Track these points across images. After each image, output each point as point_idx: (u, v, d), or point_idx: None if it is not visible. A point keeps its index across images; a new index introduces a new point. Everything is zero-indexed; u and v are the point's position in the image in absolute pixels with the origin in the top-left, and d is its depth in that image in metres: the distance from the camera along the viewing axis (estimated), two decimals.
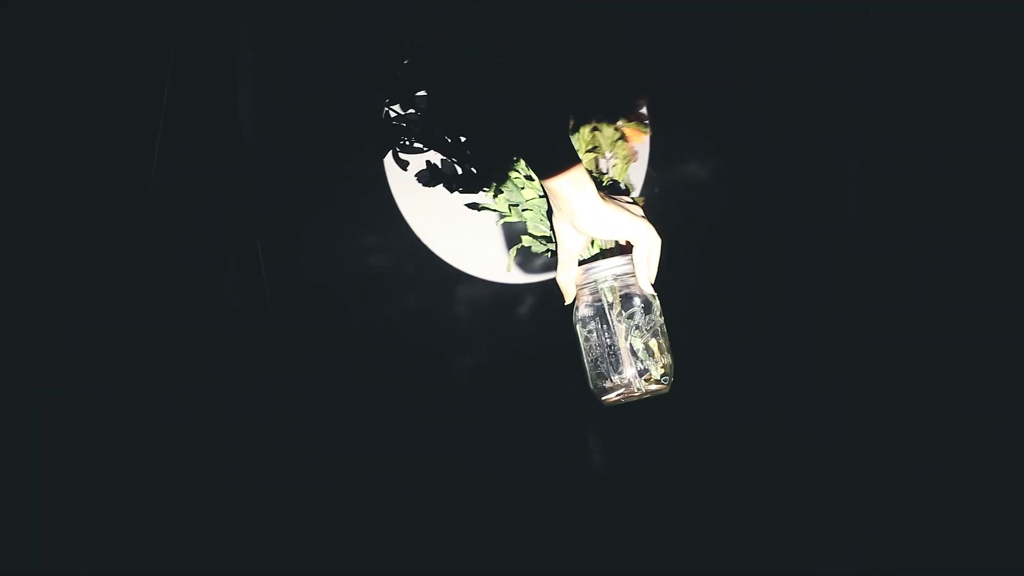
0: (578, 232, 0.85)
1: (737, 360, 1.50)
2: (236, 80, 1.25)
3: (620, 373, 0.87)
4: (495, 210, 0.93)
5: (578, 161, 0.81)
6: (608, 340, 0.87)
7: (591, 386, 0.89)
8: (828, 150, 1.43)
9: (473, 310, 1.50)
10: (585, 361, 0.89)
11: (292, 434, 1.35)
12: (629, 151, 0.97)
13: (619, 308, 0.87)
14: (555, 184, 0.80)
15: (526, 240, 0.95)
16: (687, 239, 1.48)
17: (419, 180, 0.96)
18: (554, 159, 0.80)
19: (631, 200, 0.93)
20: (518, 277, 1.48)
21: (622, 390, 0.88)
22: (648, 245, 0.85)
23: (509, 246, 0.95)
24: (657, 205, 1.46)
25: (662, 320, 0.89)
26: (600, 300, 0.87)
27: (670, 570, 1.36)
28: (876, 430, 1.44)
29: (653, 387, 0.88)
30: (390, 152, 0.93)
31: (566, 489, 1.48)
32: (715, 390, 1.51)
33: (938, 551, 1.30)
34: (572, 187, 0.80)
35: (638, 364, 0.87)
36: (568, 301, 0.89)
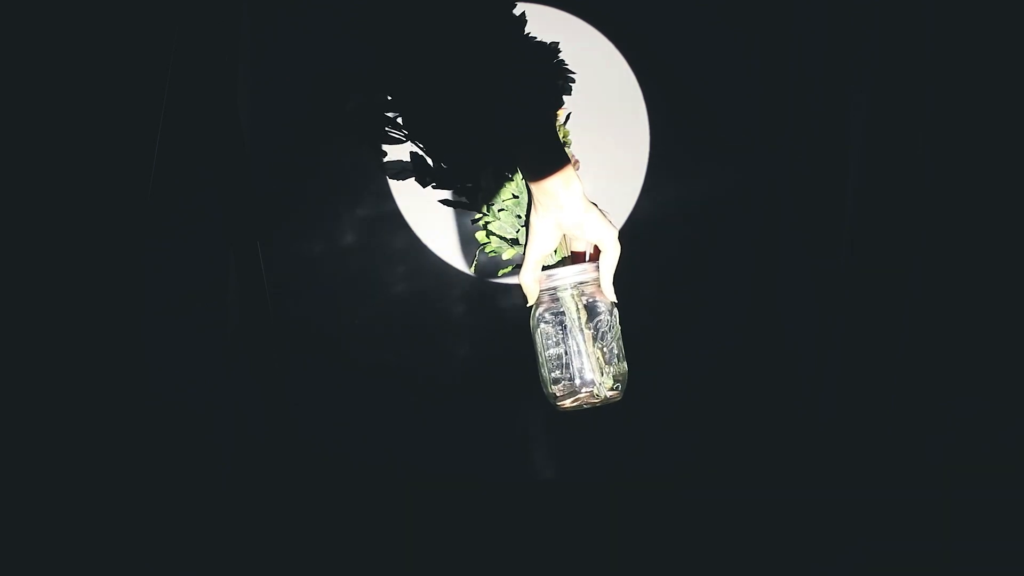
0: (559, 229, 0.86)
1: (738, 362, 1.51)
2: (236, 79, 1.25)
3: (577, 379, 0.89)
4: (467, 206, 0.93)
5: (568, 161, 0.82)
6: (566, 346, 0.89)
7: (545, 390, 0.90)
8: (828, 154, 1.43)
9: (474, 310, 1.50)
10: (540, 365, 0.90)
11: (291, 434, 1.35)
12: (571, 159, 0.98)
13: (581, 315, 0.88)
14: (546, 182, 0.82)
15: (490, 245, 0.95)
16: (686, 250, 1.48)
17: (387, 171, 0.95)
18: (547, 160, 0.81)
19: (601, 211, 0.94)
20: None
21: (578, 396, 0.89)
22: (615, 253, 0.87)
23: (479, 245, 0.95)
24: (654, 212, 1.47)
25: (619, 328, 0.90)
26: (560, 306, 0.89)
27: (671, 570, 1.36)
28: (875, 429, 1.44)
29: (608, 394, 0.89)
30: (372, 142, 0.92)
31: (567, 489, 1.48)
32: (715, 390, 1.51)
33: (938, 550, 1.30)
34: (561, 185, 0.82)
35: (595, 371, 0.88)
36: (531, 302, 0.90)
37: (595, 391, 0.89)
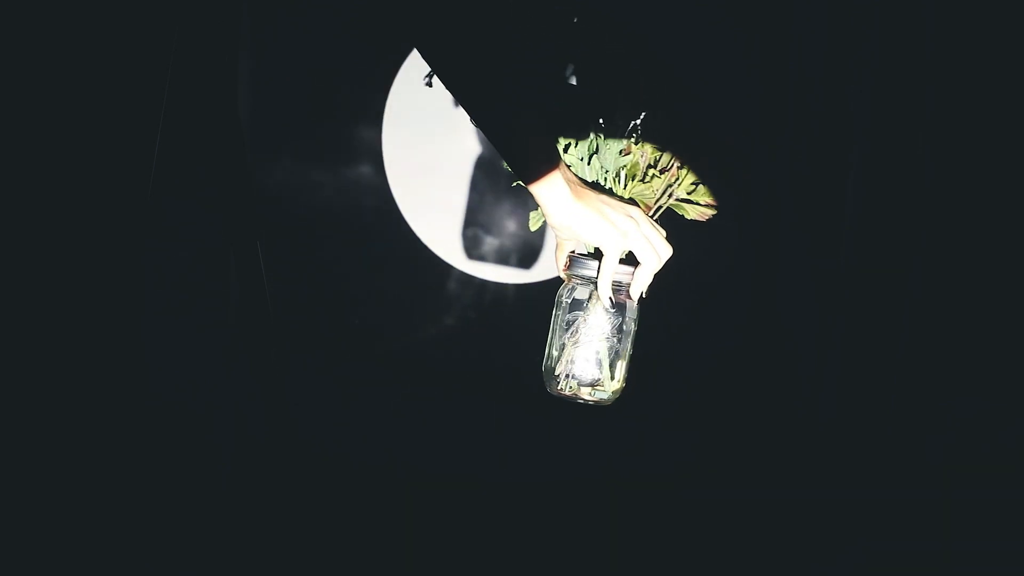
0: (551, 228, 0.85)
1: (738, 362, 1.50)
2: (236, 79, 1.25)
3: (560, 367, 0.88)
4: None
5: (555, 165, 0.80)
6: (568, 335, 0.88)
7: (543, 367, 0.89)
8: (826, 161, 1.43)
9: (475, 310, 1.50)
10: (547, 343, 0.89)
11: (291, 434, 1.35)
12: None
13: (590, 310, 0.87)
14: (532, 187, 0.80)
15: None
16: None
17: None
18: (533, 168, 0.79)
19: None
20: (520, 276, 1.48)
21: (557, 384, 0.89)
22: (617, 255, 0.83)
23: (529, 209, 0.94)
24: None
25: (619, 339, 0.88)
26: (580, 294, 0.88)
27: (671, 570, 1.36)
28: (875, 429, 1.44)
29: (587, 397, 0.87)
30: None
31: (567, 489, 1.48)
32: (715, 393, 1.51)
33: (938, 550, 1.30)
34: (546, 190, 0.80)
35: (580, 369, 0.87)
36: (560, 275, 0.90)
37: (565, 387, 0.87)
